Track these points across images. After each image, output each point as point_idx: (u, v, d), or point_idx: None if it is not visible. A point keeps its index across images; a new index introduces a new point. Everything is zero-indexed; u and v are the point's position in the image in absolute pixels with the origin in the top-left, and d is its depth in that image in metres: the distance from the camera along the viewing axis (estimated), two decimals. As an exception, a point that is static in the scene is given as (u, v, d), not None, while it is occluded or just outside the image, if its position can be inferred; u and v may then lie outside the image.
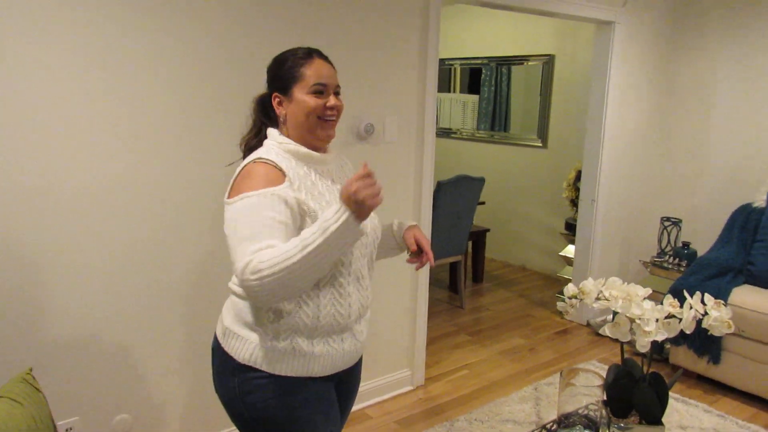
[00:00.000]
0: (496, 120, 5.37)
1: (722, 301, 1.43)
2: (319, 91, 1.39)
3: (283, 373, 1.37)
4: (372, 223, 1.48)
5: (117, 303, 2.10)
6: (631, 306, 1.42)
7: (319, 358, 1.38)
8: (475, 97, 5.51)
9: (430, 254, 1.51)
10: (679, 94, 4.06)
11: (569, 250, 4.57)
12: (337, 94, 1.43)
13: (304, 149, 1.40)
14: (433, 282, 4.76)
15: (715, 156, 3.93)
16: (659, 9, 3.90)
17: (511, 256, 5.44)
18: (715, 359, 3.08)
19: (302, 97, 1.39)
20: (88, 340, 2.06)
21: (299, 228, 1.30)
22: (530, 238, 5.26)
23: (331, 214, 1.19)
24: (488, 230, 4.81)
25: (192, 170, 2.18)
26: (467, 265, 4.80)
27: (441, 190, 3.82)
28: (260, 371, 1.37)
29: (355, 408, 2.74)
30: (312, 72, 1.39)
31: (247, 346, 1.38)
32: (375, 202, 1.19)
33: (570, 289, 1.54)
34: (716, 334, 1.39)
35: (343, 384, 1.55)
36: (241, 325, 1.40)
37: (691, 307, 1.43)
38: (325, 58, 1.44)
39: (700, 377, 3.21)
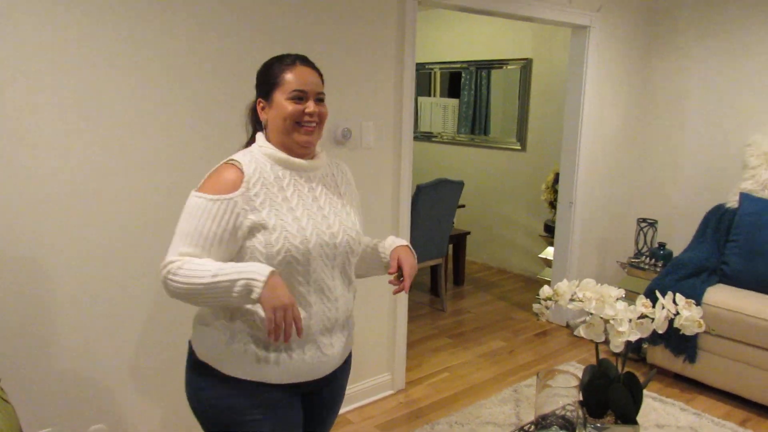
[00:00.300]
0: (476, 123, 5.41)
1: (693, 301, 1.45)
2: (299, 97, 1.39)
3: (235, 375, 1.36)
4: (346, 234, 1.44)
5: (92, 309, 2.07)
6: (605, 307, 1.44)
7: (274, 365, 1.36)
8: (455, 101, 5.54)
9: (407, 283, 1.46)
10: (655, 97, 4.13)
11: (548, 252, 4.60)
12: (320, 101, 1.43)
13: (281, 154, 1.40)
14: (414, 285, 4.77)
15: (689, 158, 4.00)
16: (633, 13, 3.96)
17: (491, 258, 5.47)
18: (691, 358, 3.13)
19: (281, 101, 1.39)
20: (61, 348, 2.03)
21: (241, 234, 1.32)
22: (510, 240, 5.30)
23: (252, 270, 1.23)
24: (468, 233, 4.83)
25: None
26: (448, 268, 4.81)
27: (421, 193, 3.84)
28: (214, 369, 1.37)
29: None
30: (293, 77, 1.39)
31: (205, 343, 1.39)
32: (282, 319, 1.22)
33: (544, 290, 1.55)
34: (688, 333, 1.41)
35: (320, 395, 1.51)
36: (202, 321, 1.41)
37: (663, 307, 1.45)
38: (311, 65, 1.44)
39: (677, 376, 3.26)
